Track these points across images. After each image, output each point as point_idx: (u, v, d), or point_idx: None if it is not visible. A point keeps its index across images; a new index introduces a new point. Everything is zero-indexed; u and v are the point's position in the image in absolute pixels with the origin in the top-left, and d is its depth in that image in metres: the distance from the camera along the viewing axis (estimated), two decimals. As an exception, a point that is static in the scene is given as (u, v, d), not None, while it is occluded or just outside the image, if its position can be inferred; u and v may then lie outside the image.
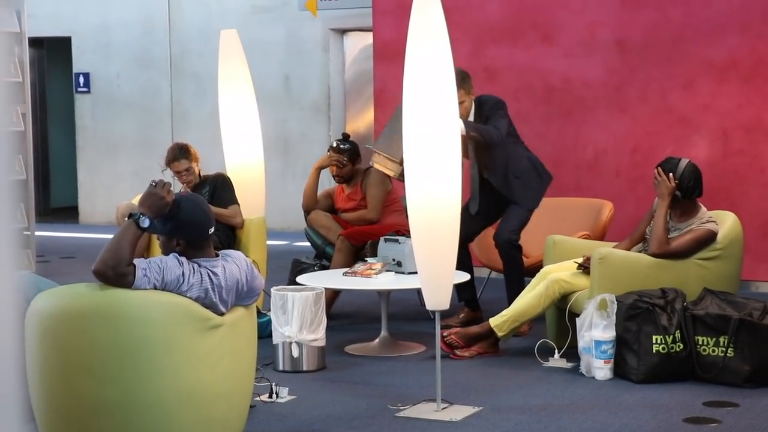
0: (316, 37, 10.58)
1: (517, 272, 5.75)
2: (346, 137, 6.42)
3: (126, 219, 3.51)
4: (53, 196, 12.78)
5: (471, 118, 5.63)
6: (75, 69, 11.75)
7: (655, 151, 6.82)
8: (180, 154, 5.84)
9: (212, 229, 3.63)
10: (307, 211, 6.37)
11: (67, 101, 12.17)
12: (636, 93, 7.17)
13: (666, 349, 4.60)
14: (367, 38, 9.64)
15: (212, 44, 7.92)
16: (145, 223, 3.45)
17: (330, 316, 5.86)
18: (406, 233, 5.44)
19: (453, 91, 4.26)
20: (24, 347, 3.43)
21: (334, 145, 6.35)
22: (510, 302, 5.66)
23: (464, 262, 5.60)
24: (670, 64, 7.05)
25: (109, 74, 11.60)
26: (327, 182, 9.49)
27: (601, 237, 6.07)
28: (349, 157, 6.27)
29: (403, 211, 5.57)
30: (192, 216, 3.57)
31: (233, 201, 5.86)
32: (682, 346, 4.61)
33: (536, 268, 5.46)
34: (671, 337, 4.60)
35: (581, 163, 7.34)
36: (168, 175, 5.73)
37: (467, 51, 7.44)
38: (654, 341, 4.60)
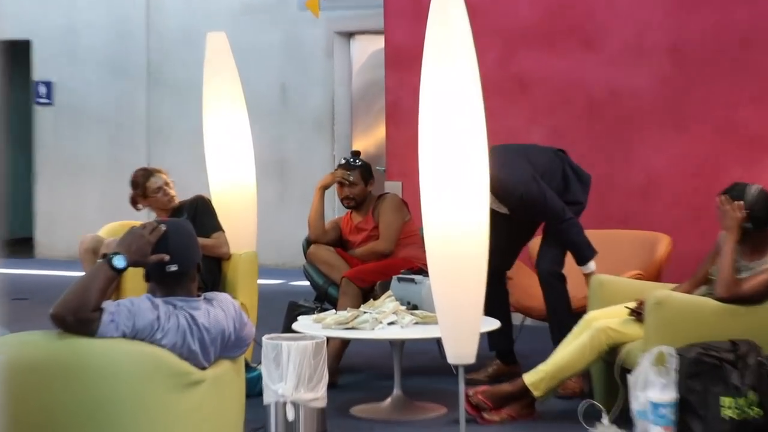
0: (319, 41, 10.64)
1: (560, 308, 5.71)
2: (356, 154, 6.49)
3: (99, 259, 3.52)
4: (5, 226, 12.79)
5: None
6: (35, 77, 11.85)
7: (720, 175, 6.79)
8: (151, 171, 5.96)
9: (200, 261, 3.65)
10: (315, 242, 6.35)
11: (25, 114, 12.23)
12: (696, 107, 7.19)
13: (739, 414, 4.53)
14: (378, 42, 9.65)
15: (197, 49, 7.91)
16: (121, 263, 3.44)
17: (339, 371, 5.80)
18: (425, 270, 5.39)
19: (479, 105, 4.23)
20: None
21: (343, 161, 6.38)
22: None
23: (498, 300, 5.56)
24: (736, 74, 7.08)
25: (75, 84, 11.67)
26: (331, 212, 9.45)
27: (657, 277, 6.05)
28: (361, 175, 6.27)
29: (422, 245, 5.53)
30: (179, 243, 3.56)
31: (217, 227, 5.87)
32: (758, 411, 4.56)
33: (579, 313, 5.41)
34: (744, 399, 4.54)
35: (632, 189, 7.34)
36: (148, 216, 5.78)
37: (495, 58, 7.47)
38: (723, 404, 4.54)
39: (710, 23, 7.14)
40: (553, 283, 5.73)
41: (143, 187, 5.89)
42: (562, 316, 5.70)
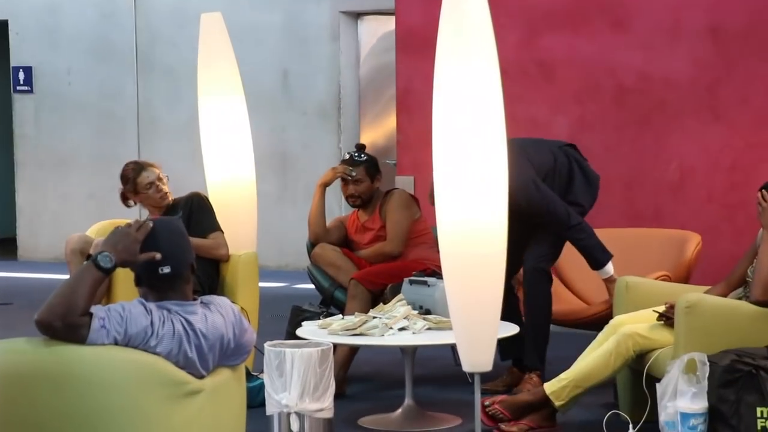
0: (323, 22, 10.63)
1: (538, 309, 5.78)
2: (361, 148, 6.47)
3: (85, 260, 3.56)
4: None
5: None
6: (13, 62, 11.81)
7: (759, 168, 6.80)
8: (142, 164, 5.98)
9: (193, 262, 3.68)
10: (316, 244, 6.39)
11: (2, 103, 12.25)
12: (735, 94, 7.17)
13: (774, 425, 4.57)
14: (389, 24, 9.69)
15: (190, 31, 7.98)
16: (108, 263, 3.48)
17: (346, 380, 5.87)
18: (438, 271, 5.45)
19: (498, 93, 4.28)
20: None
21: (347, 157, 6.39)
22: (526, 352, 5.79)
23: (508, 305, 5.61)
24: (782, 57, 7.04)
25: (57, 69, 11.66)
26: (338, 209, 9.51)
27: (687, 279, 6.09)
28: (366, 171, 6.29)
29: (435, 245, 5.61)
30: (170, 243, 3.60)
31: (214, 227, 5.91)
32: (795, 422, 4.59)
33: (603, 318, 5.46)
34: (781, 409, 4.57)
35: (662, 184, 7.34)
36: (140, 213, 5.81)
37: (516, 41, 7.47)
38: (759, 414, 4.55)
39: (753, 1, 7.11)
40: (536, 280, 5.77)
41: (134, 182, 5.89)
42: (539, 318, 5.77)
